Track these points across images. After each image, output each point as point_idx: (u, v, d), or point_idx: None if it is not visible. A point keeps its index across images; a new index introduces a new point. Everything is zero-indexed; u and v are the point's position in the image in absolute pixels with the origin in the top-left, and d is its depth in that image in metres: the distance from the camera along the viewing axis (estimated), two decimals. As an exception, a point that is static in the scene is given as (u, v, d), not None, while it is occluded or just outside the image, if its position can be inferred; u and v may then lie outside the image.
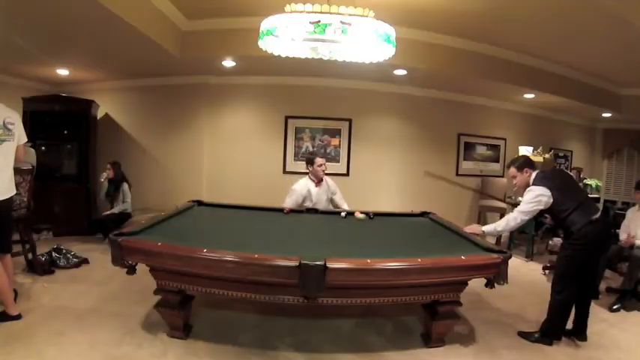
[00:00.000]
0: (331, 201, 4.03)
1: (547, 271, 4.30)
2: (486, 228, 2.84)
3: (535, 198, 2.64)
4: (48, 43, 4.06)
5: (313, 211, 3.64)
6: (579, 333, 2.74)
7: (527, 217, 2.70)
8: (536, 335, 2.70)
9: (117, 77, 5.59)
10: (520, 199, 3.02)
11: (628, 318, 3.19)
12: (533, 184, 2.72)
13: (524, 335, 2.74)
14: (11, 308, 2.61)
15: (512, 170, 2.87)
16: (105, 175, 4.88)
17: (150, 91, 5.71)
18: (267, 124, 5.64)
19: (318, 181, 3.89)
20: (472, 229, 2.91)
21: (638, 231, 3.68)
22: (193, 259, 2.12)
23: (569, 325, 2.74)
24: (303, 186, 3.87)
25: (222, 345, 2.42)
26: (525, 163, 2.85)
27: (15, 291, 2.82)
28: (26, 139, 2.86)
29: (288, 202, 3.79)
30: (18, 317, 2.60)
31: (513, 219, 2.72)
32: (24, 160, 2.96)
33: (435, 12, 3.83)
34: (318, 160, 3.85)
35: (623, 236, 3.71)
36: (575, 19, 3.74)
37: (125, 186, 4.87)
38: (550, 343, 2.64)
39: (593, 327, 2.94)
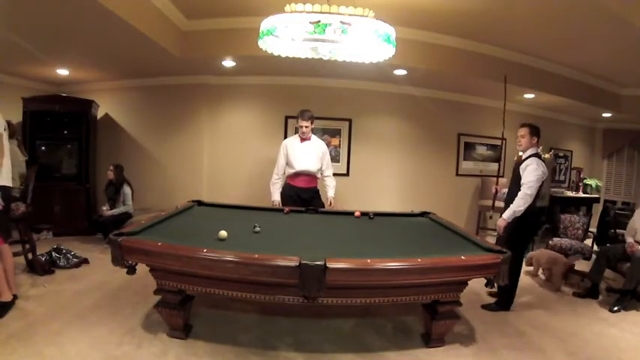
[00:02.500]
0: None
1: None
2: (505, 215, 3.01)
3: (541, 171, 2.98)
4: (48, 43, 4.05)
5: (313, 211, 3.65)
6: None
7: (537, 183, 2.98)
8: (495, 304, 3.12)
9: (117, 77, 5.59)
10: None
11: (628, 318, 3.18)
12: (536, 158, 3.02)
13: (488, 307, 3.12)
14: (3, 296, 2.67)
15: (526, 130, 3.12)
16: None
17: (150, 91, 5.71)
18: (267, 124, 5.64)
19: (304, 139, 3.89)
20: (499, 227, 3.05)
21: None
22: (193, 259, 2.12)
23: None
24: (284, 144, 3.91)
25: (222, 345, 2.42)
26: (538, 133, 3.13)
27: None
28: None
29: (279, 166, 3.94)
30: (11, 304, 2.67)
31: (528, 188, 2.96)
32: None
33: (435, 12, 3.83)
34: (300, 122, 3.84)
35: (628, 239, 3.59)
36: (576, 19, 3.74)
37: (126, 189, 4.85)
38: (509, 309, 3.08)
39: (593, 327, 2.94)
